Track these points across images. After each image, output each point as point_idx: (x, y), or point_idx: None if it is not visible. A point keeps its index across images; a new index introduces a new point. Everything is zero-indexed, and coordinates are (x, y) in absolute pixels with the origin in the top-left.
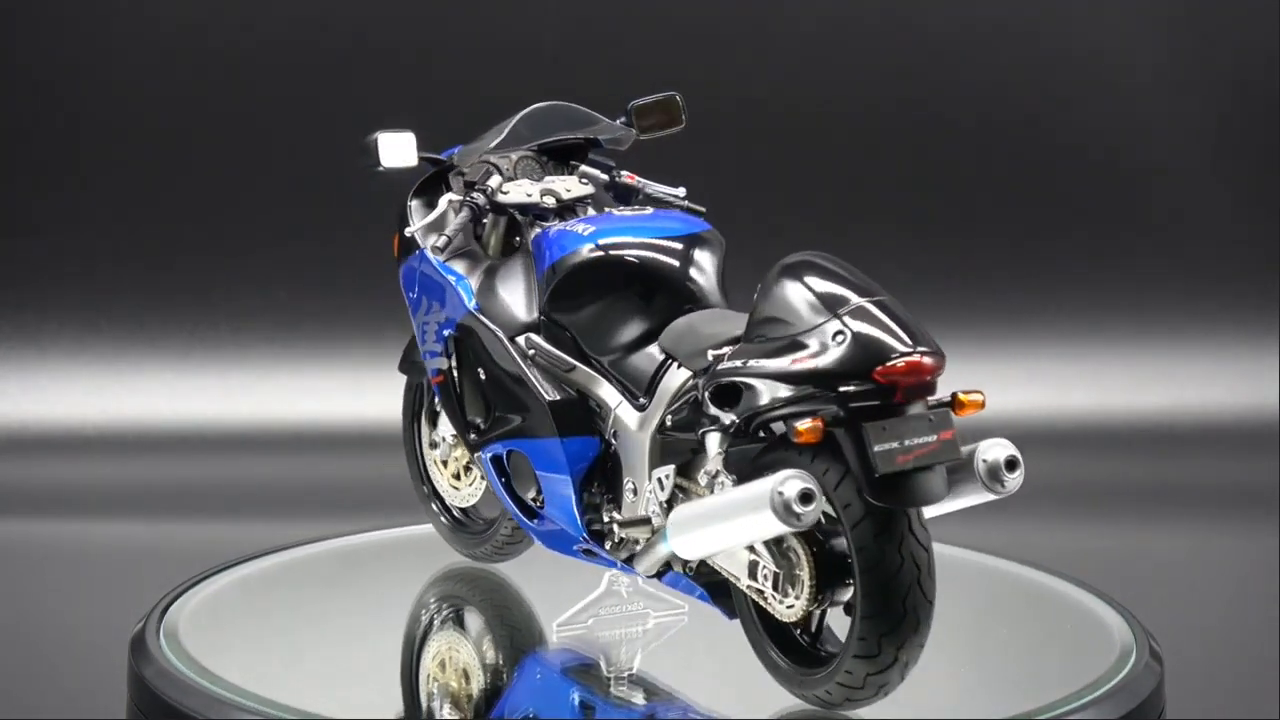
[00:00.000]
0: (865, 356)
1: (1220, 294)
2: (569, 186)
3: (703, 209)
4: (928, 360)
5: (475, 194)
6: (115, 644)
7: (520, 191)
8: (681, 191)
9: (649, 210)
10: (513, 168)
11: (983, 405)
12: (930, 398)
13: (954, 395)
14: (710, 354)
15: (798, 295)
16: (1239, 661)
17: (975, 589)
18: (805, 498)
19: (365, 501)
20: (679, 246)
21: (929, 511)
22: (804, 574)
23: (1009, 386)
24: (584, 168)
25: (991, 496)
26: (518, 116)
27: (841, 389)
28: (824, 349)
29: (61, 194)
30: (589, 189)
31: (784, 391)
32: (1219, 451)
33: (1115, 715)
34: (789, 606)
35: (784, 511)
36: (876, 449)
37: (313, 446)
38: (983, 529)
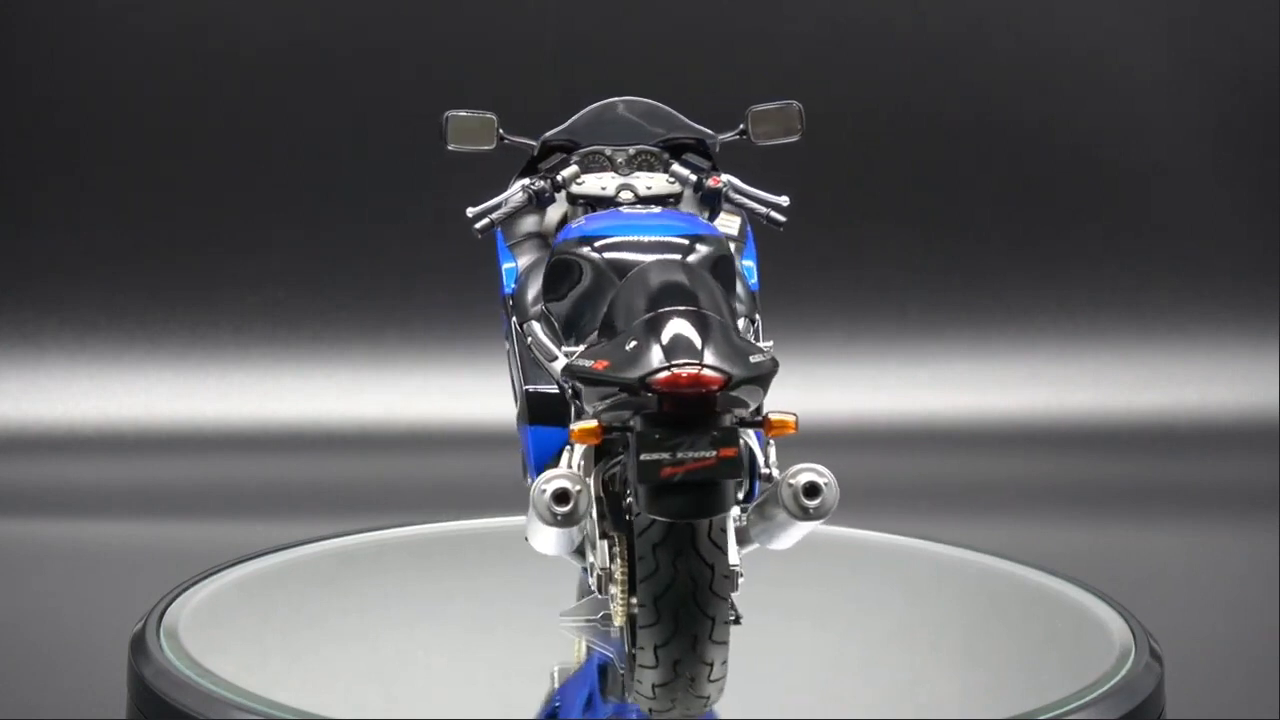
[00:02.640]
0: (641, 365)
1: (1220, 294)
2: (652, 184)
3: (782, 220)
4: (699, 374)
5: (541, 180)
6: (115, 644)
7: (596, 184)
8: (784, 200)
9: (657, 210)
10: (629, 161)
11: (794, 427)
12: (739, 412)
13: (765, 415)
14: (565, 351)
15: (624, 300)
16: (1239, 661)
17: (975, 589)
18: (560, 497)
19: (365, 501)
20: (660, 246)
21: (779, 544)
22: (620, 575)
23: (1009, 386)
24: (675, 166)
25: (802, 523)
26: (617, 111)
27: (630, 395)
28: (619, 354)
29: (61, 194)
30: (675, 188)
31: (596, 393)
32: (1219, 451)
33: (1115, 715)
34: (611, 607)
35: (544, 510)
36: (643, 458)
37: (313, 446)
38: (983, 529)
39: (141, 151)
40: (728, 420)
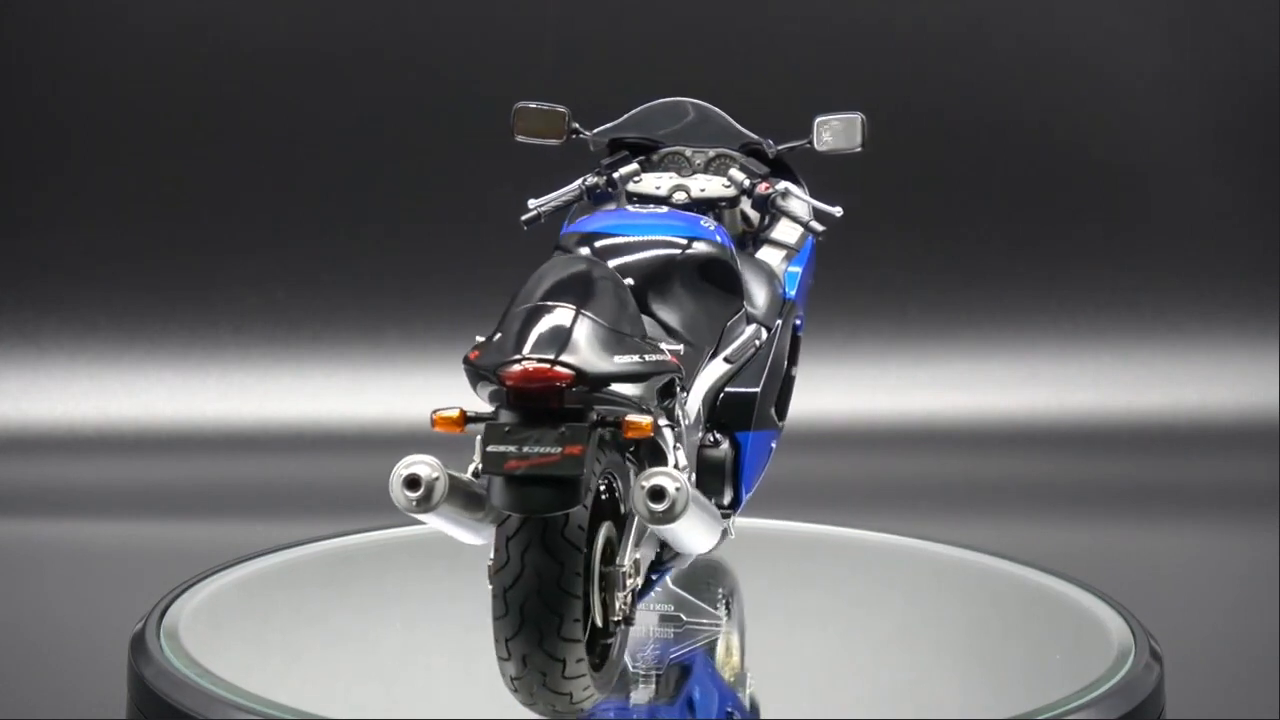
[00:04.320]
0: (496, 355)
1: (1220, 294)
2: (706, 186)
3: (819, 229)
4: (545, 368)
5: (596, 176)
6: (115, 644)
7: (652, 183)
8: (837, 210)
9: (663, 210)
10: (707, 162)
11: (649, 429)
12: (605, 410)
13: (620, 417)
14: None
15: (522, 291)
16: (1239, 661)
17: (975, 589)
18: (410, 483)
19: (365, 501)
20: (647, 245)
21: (685, 549)
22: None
23: (1009, 386)
24: (733, 171)
25: (658, 526)
26: (689, 112)
27: (491, 386)
28: (489, 344)
29: (61, 194)
30: (730, 192)
31: (476, 381)
32: (1219, 451)
33: (1115, 715)
34: None
35: (398, 495)
36: (489, 449)
37: (313, 446)
38: (983, 529)
39: (141, 151)
40: (593, 417)
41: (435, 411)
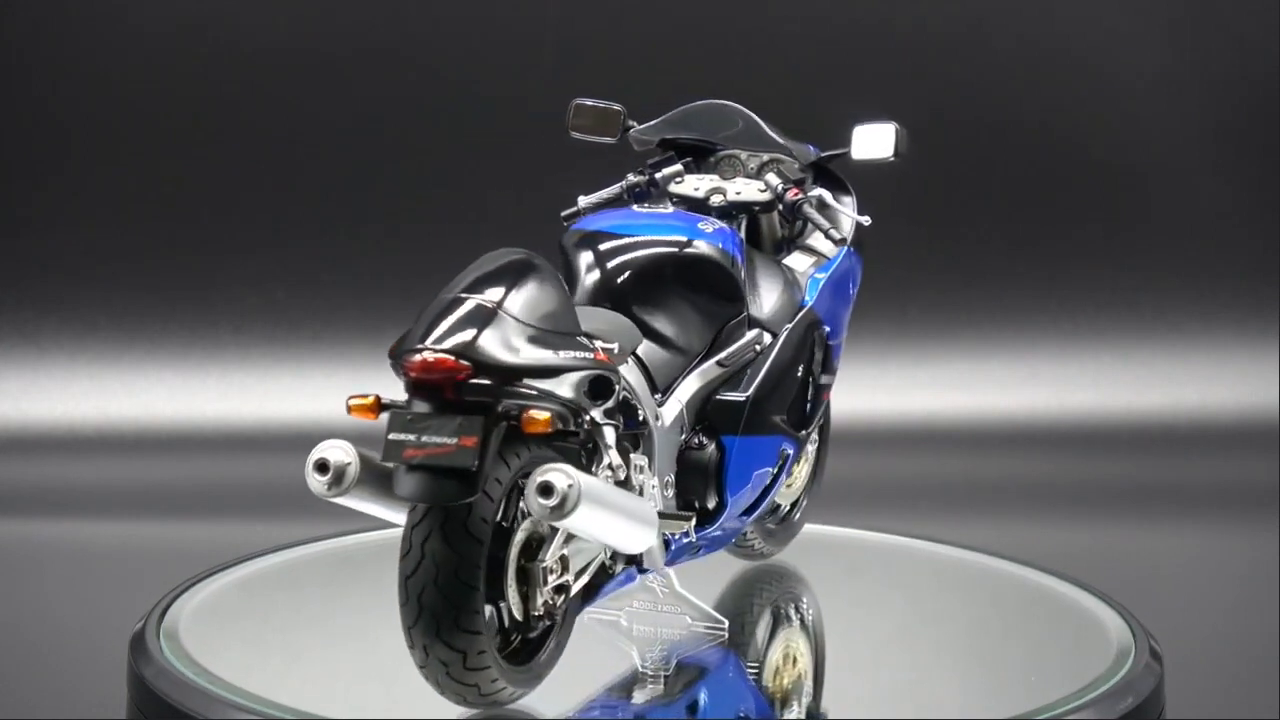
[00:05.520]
0: (399, 345)
1: (1220, 294)
2: (743, 190)
3: (839, 236)
4: (438, 359)
5: (638, 176)
6: (115, 644)
7: (693, 184)
8: (865, 220)
9: (669, 210)
10: (760, 166)
11: (546, 424)
12: (513, 404)
13: (522, 409)
14: None
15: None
16: (1239, 661)
17: (975, 589)
18: (319, 467)
19: None
20: (639, 245)
21: (579, 528)
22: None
23: (1009, 386)
24: (770, 176)
25: (554, 522)
26: (737, 117)
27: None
28: (403, 333)
29: (61, 193)
30: (764, 196)
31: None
32: (1219, 451)
33: (1115, 715)
34: None
35: (310, 478)
36: (390, 437)
37: (313, 446)
38: (983, 529)
39: (141, 151)
40: (500, 409)
41: (351, 398)
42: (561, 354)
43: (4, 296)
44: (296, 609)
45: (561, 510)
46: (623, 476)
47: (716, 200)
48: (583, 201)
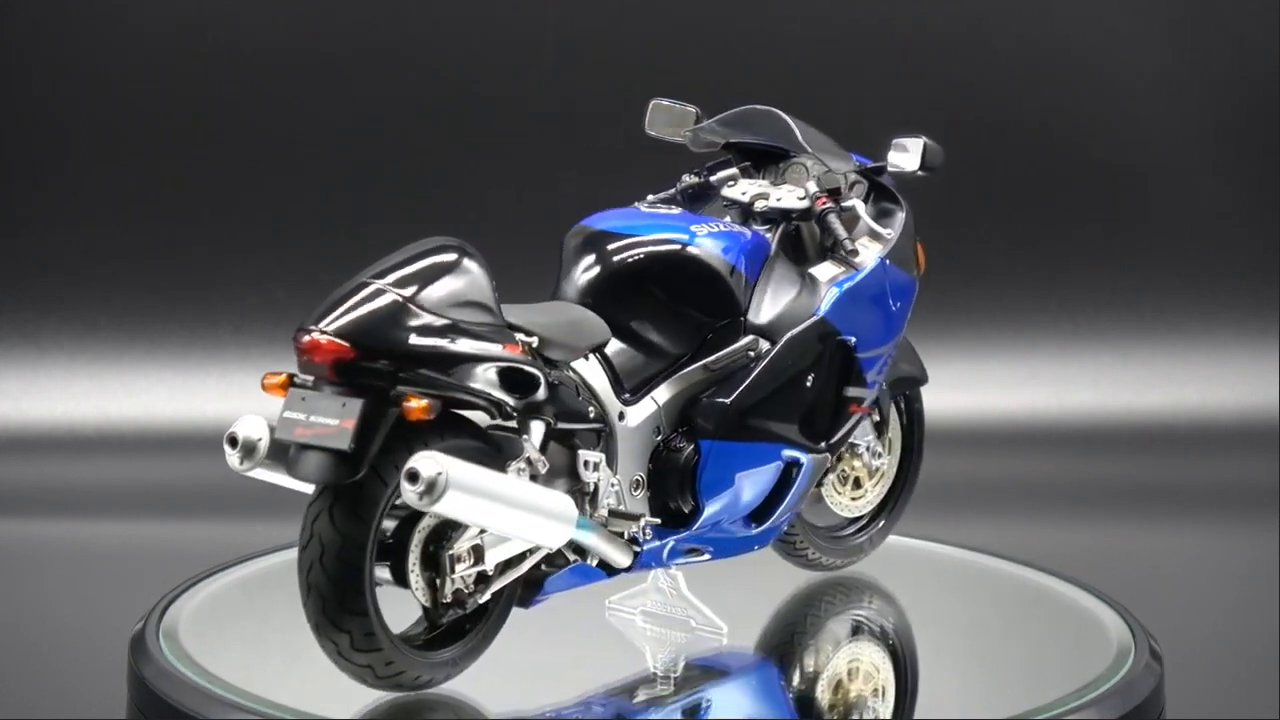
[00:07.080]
0: (299, 326)
1: (1220, 294)
2: (783, 197)
3: (849, 248)
4: (323, 341)
5: (693, 177)
6: (115, 644)
7: (741, 190)
8: (887, 234)
9: (676, 211)
10: (822, 175)
11: (425, 411)
12: (408, 389)
13: (404, 394)
14: None
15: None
16: (1239, 661)
17: (975, 589)
18: (229, 440)
19: None
20: (634, 246)
21: (457, 516)
22: None
23: (1009, 386)
24: (809, 184)
25: (421, 507)
26: (797, 126)
27: None
28: None
29: (61, 193)
30: (802, 204)
31: None
32: (1219, 451)
33: (1115, 715)
34: None
35: (225, 450)
36: (283, 415)
37: None
38: (983, 529)
39: (141, 151)
40: (393, 394)
41: (266, 375)
42: (460, 343)
43: (4, 296)
44: (296, 609)
45: (431, 495)
46: (542, 470)
47: (760, 206)
48: (651, 199)
